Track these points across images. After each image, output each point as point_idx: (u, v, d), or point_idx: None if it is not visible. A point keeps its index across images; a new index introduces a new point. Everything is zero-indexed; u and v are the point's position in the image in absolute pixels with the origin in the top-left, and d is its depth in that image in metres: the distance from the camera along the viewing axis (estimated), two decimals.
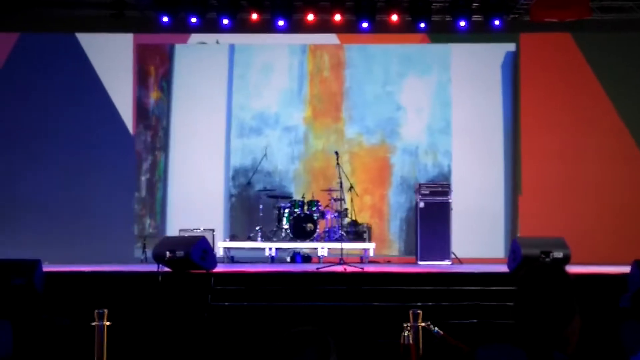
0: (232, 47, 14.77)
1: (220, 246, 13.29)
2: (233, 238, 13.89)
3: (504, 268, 10.46)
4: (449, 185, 13.29)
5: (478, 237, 14.09)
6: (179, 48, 14.80)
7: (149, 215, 14.68)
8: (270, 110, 14.57)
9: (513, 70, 14.87)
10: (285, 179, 14.53)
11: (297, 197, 13.66)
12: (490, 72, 14.76)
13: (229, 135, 14.61)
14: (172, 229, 14.01)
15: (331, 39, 15.05)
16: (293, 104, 14.58)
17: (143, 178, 14.66)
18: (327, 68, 14.71)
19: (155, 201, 14.67)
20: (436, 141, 14.53)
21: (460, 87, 14.64)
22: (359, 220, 13.90)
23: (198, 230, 13.24)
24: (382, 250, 14.07)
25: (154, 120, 14.75)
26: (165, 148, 14.70)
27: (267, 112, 14.59)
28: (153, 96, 14.80)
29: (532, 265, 3.02)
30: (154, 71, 14.78)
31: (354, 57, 14.68)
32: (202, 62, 14.75)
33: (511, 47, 14.78)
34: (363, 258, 13.29)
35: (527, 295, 2.89)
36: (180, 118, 14.67)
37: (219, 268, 10.58)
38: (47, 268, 9.32)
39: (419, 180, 14.14)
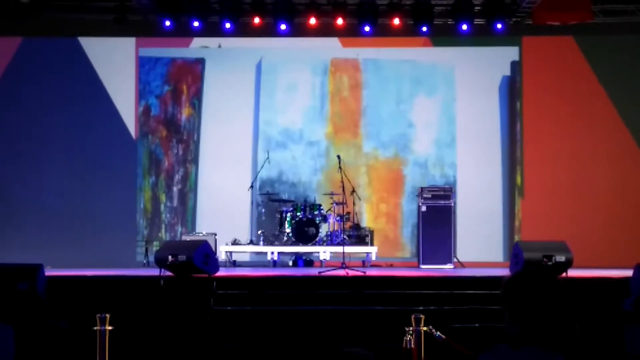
0: (259, 68, 15.46)
1: (222, 250, 13.30)
2: (235, 242, 13.89)
3: (506, 272, 10.45)
4: (451, 189, 13.29)
5: (481, 241, 14.86)
6: (209, 67, 15.41)
7: (180, 224, 15.24)
8: (295, 127, 15.43)
9: (511, 81, 15.26)
10: (308, 189, 15.22)
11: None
12: (489, 93, 15.38)
13: (256, 148, 15.38)
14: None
15: (333, 42, 15.13)
16: (316, 120, 15.48)
17: (175, 189, 15.36)
18: (347, 88, 15.61)
19: (187, 210, 15.27)
20: (443, 154, 15.42)
21: (464, 103, 15.36)
22: (373, 225, 14.51)
23: (201, 235, 13.25)
24: (395, 253, 14.98)
25: (186, 134, 15.45)
26: (195, 160, 15.35)
27: (291, 128, 15.44)
28: (185, 112, 15.46)
29: (517, 273, 3.06)
30: (186, 89, 15.46)
31: (370, 78, 15.57)
32: (230, 81, 15.42)
33: (507, 71, 15.32)
34: (365, 262, 13.29)
35: (516, 301, 2.92)
36: (210, 133, 15.39)
37: (221, 272, 10.58)
38: (49, 272, 9.32)
39: None
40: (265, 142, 15.28)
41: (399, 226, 15.32)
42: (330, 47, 15.33)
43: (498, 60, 15.33)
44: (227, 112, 15.33)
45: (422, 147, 15.42)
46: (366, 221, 14.82)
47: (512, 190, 15.03)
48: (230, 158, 15.18)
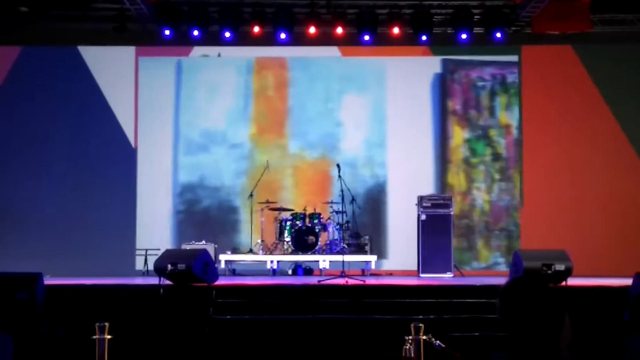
0: (179, 67, 15.27)
1: (222, 259, 13.29)
2: (235, 251, 13.87)
3: (506, 280, 10.41)
4: (450, 198, 13.28)
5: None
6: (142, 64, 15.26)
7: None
8: (217, 128, 15.20)
9: (441, 89, 15.26)
10: (232, 194, 15.06)
11: (243, 209, 13.85)
12: (421, 90, 15.28)
13: (177, 152, 15.20)
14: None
15: (332, 51, 15.13)
16: (239, 121, 15.23)
17: None
18: (272, 87, 15.38)
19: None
20: (373, 154, 15.23)
21: (395, 102, 15.23)
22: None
23: (200, 244, 13.24)
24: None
25: None
26: None
27: (213, 130, 15.20)
28: None
29: (512, 280, 3.08)
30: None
31: (297, 76, 15.36)
32: (151, 79, 15.22)
33: (437, 69, 15.30)
34: (365, 271, 13.28)
35: (513, 308, 2.93)
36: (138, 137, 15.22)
37: (221, 281, 10.57)
38: (47, 281, 9.30)
39: (357, 190, 14.61)
40: (186, 145, 15.08)
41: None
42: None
43: (430, 58, 15.26)
44: (148, 113, 15.12)
45: (352, 146, 15.18)
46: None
47: (443, 190, 14.88)
48: (154, 162, 15.01)
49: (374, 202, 15.05)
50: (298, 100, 15.27)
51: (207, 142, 15.16)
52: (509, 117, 15.25)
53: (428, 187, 14.60)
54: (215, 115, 15.18)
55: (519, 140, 15.11)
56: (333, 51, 15.15)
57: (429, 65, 15.31)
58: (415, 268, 13.04)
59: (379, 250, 14.58)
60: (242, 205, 14.76)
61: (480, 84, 15.32)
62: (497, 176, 15.20)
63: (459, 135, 15.27)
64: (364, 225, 14.51)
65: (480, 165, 15.23)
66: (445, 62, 15.29)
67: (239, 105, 15.23)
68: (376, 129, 15.26)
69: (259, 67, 15.34)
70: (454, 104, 15.31)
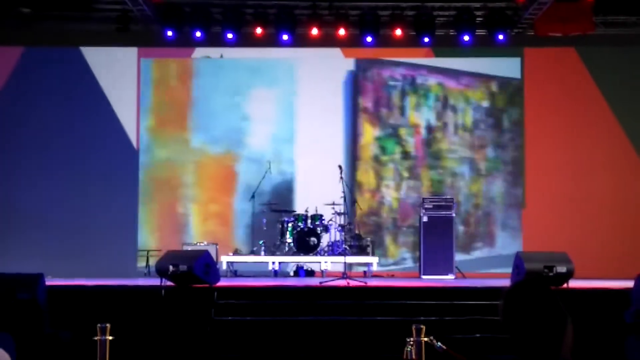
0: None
1: (224, 260, 13.28)
2: (236, 252, 13.88)
3: (507, 283, 10.42)
4: (452, 200, 13.27)
5: None
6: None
7: None
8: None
9: (353, 86, 15.15)
10: None
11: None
12: (333, 87, 15.13)
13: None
14: None
15: (335, 53, 15.11)
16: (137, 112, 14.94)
17: None
18: (175, 77, 15.10)
19: None
20: (281, 150, 15.01)
21: (305, 98, 15.06)
22: (202, 228, 14.37)
23: (202, 245, 13.25)
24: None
25: None
26: None
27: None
28: None
29: (515, 284, 3.09)
30: None
31: (202, 67, 15.11)
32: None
33: (350, 66, 15.18)
34: (366, 272, 13.28)
35: (516, 311, 2.94)
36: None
37: (222, 282, 10.57)
38: (49, 282, 9.31)
39: (263, 187, 14.41)
40: None
41: (231, 227, 14.82)
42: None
43: (337, 65, 15.16)
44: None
45: (258, 142, 14.93)
46: (194, 224, 14.51)
47: (352, 187, 14.75)
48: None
49: (281, 199, 14.58)
50: (202, 92, 14.94)
51: None
52: (418, 117, 15.17)
53: (337, 184, 13.69)
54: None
55: (427, 140, 15.07)
56: (335, 52, 15.12)
57: (342, 62, 15.17)
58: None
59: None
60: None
61: (391, 83, 15.22)
62: (405, 174, 15.12)
63: (369, 133, 15.18)
64: (271, 224, 14.04)
65: (390, 163, 15.15)
66: (358, 60, 15.19)
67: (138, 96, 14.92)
68: (285, 124, 15.03)
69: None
70: (365, 102, 15.18)
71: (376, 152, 15.19)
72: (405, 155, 15.18)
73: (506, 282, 10.52)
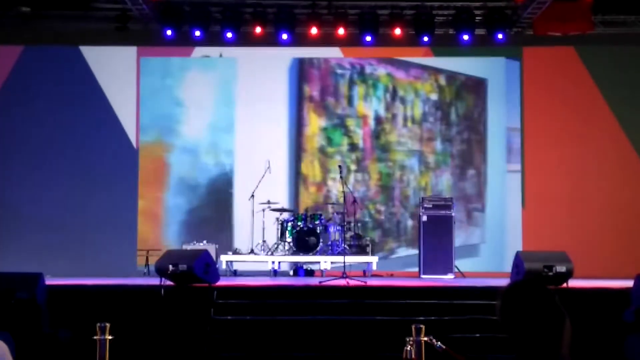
0: None
1: (223, 260, 13.27)
2: (236, 252, 13.87)
3: (507, 282, 10.41)
4: (451, 199, 13.27)
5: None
6: None
7: None
8: None
9: (299, 74, 14.61)
10: None
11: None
12: (277, 74, 14.57)
13: None
14: None
15: (335, 52, 15.09)
16: None
17: None
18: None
19: None
20: (218, 139, 14.30)
21: (246, 84, 14.47)
22: None
23: (201, 244, 13.23)
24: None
25: None
26: None
27: None
28: None
29: (514, 282, 3.09)
30: None
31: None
32: None
33: (297, 53, 14.58)
34: (366, 272, 13.28)
35: (513, 310, 2.94)
36: None
37: (222, 282, 10.57)
38: (48, 281, 9.31)
39: (198, 180, 14.03)
40: None
41: (161, 225, 14.26)
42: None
43: (280, 54, 14.63)
44: None
45: (193, 130, 14.20)
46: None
47: (296, 181, 14.42)
48: None
49: (218, 193, 14.13)
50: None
51: None
52: (367, 107, 14.71)
53: (281, 177, 13.59)
54: None
55: (375, 132, 14.75)
56: (335, 52, 15.11)
57: (287, 48, 14.48)
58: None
59: (223, 247, 13.59)
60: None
61: (339, 71, 14.77)
62: (353, 167, 14.67)
63: (315, 123, 14.62)
64: (206, 220, 13.50)
65: (337, 155, 14.64)
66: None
67: None
68: (223, 112, 14.32)
69: None
70: (311, 90, 14.61)
71: (322, 143, 14.68)
72: (353, 147, 14.74)
73: (506, 282, 10.53)
